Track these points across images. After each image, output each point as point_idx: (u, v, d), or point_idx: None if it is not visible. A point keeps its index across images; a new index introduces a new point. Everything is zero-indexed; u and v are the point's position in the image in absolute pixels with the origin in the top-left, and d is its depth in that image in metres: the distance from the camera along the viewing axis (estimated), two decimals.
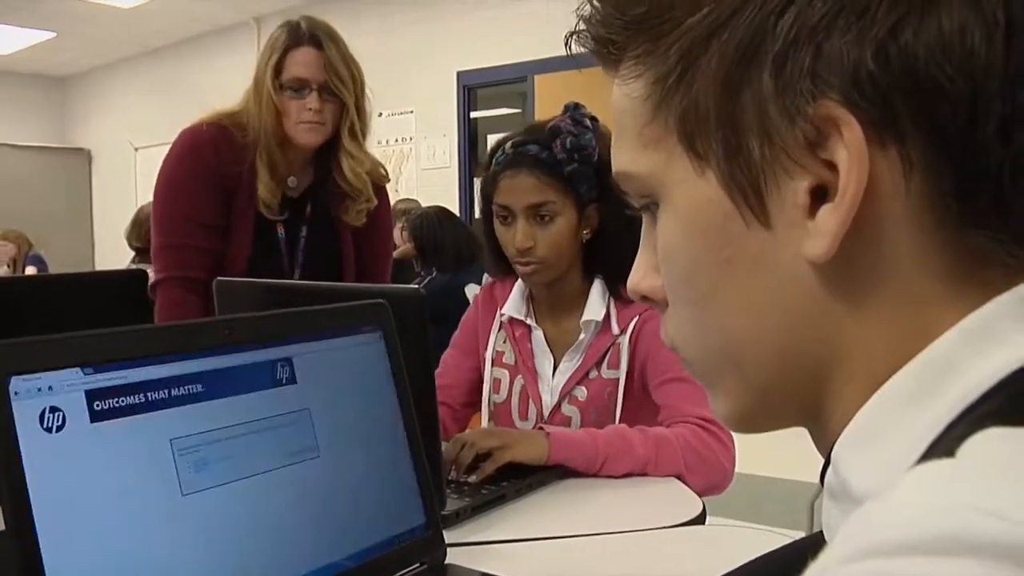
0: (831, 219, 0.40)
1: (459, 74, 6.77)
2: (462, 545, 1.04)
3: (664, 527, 1.14)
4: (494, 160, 1.60)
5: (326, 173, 1.96)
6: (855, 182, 0.39)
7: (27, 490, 0.62)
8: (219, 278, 1.35)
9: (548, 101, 6.48)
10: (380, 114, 5.48)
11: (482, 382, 1.69)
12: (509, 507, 1.22)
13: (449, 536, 0.96)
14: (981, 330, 0.39)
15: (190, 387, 0.73)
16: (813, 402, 0.45)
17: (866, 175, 0.39)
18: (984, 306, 0.39)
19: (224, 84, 9.05)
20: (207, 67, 8.66)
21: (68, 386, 0.66)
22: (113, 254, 9.29)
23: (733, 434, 1.44)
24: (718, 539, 1.18)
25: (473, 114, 7.25)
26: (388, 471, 0.89)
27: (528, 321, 1.64)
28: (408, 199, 5.32)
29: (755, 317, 0.45)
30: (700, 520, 1.20)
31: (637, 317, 1.54)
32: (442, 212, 4.04)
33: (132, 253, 3.70)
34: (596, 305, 1.57)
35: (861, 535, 0.31)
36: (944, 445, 0.35)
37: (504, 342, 1.67)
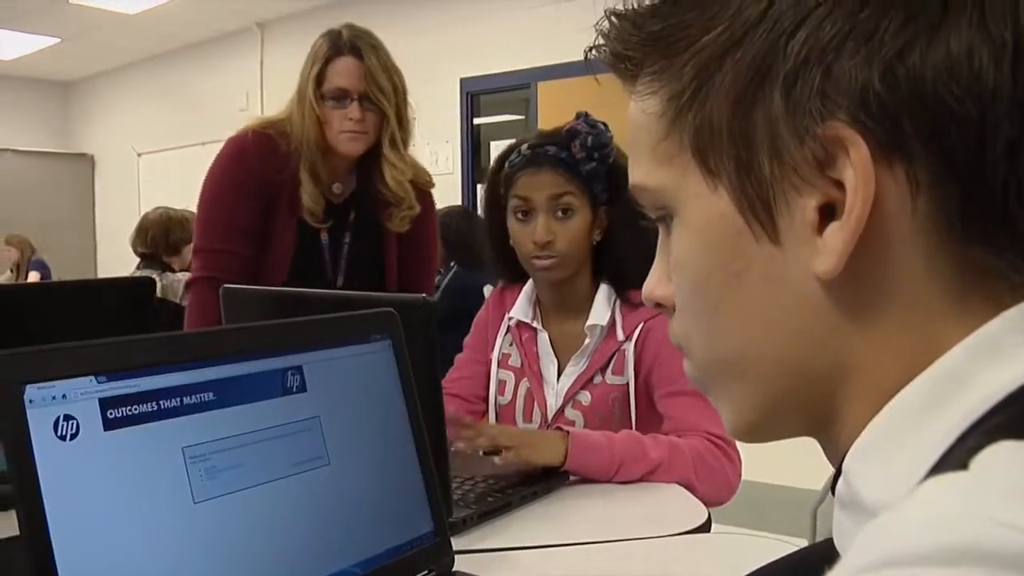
0: (838, 237, 0.41)
1: (462, 81, 6.79)
2: (469, 552, 1.04)
3: (670, 535, 1.15)
4: (508, 162, 1.61)
5: (369, 179, 1.98)
6: (861, 201, 0.40)
7: (41, 497, 0.63)
8: (225, 285, 1.35)
9: (551, 108, 6.49)
10: None
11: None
12: (515, 514, 1.22)
13: (456, 543, 0.96)
14: (989, 344, 0.40)
15: (202, 395, 0.74)
16: (821, 413, 0.46)
17: (872, 195, 0.40)
18: (992, 321, 0.40)
19: (228, 90, 9.07)
20: (211, 73, 8.68)
21: (82, 394, 0.67)
22: (116, 259, 9.30)
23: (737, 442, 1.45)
24: (724, 547, 1.18)
25: (476, 120, 7.27)
26: (396, 478, 0.90)
27: (534, 324, 1.65)
28: None
29: (763, 330, 0.45)
30: (706, 528, 1.20)
31: (642, 324, 1.55)
32: (466, 210, 4.10)
33: (136, 259, 3.71)
34: (601, 309, 1.58)
35: (877, 545, 0.31)
36: (956, 457, 0.36)
37: (511, 345, 1.69)
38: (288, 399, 0.81)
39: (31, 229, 7.63)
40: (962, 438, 0.38)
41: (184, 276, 3.55)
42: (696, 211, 0.46)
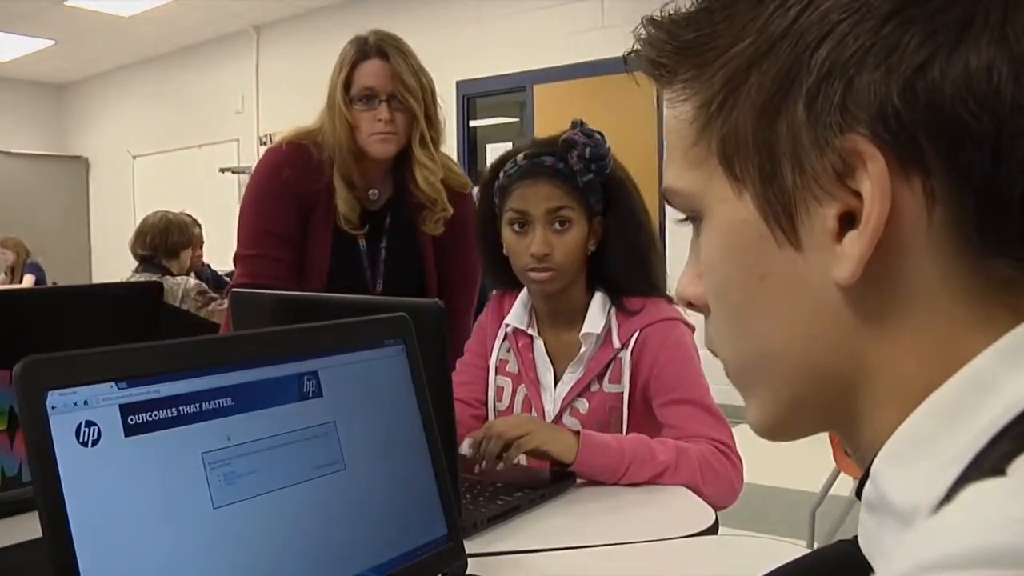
0: (856, 245, 0.42)
1: (458, 83, 6.80)
2: (480, 555, 1.05)
3: (679, 537, 1.15)
4: (503, 172, 1.61)
5: (404, 184, 1.98)
6: (877, 212, 0.41)
7: (64, 504, 0.63)
8: (235, 290, 1.36)
9: (547, 110, 6.51)
10: None
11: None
12: (524, 517, 1.22)
13: (467, 546, 0.96)
14: (1016, 350, 0.40)
15: (220, 401, 0.74)
16: (843, 414, 0.47)
17: (888, 206, 0.41)
18: (1020, 326, 0.41)
19: (223, 92, 9.07)
20: (206, 75, 8.68)
21: (103, 400, 0.67)
22: (110, 262, 9.29)
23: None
24: (732, 549, 1.19)
25: (472, 123, 7.28)
26: (411, 482, 0.90)
27: (530, 331, 1.65)
28: None
29: (786, 331, 0.47)
30: (713, 530, 1.21)
31: (638, 332, 1.56)
32: None
33: (131, 262, 3.71)
34: (596, 318, 1.58)
35: (923, 550, 0.32)
36: (988, 462, 0.37)
37: (508, 351, 1.69)
38: (304, 404, 0.81)
39: (25, 232, 7.63)
40: (993, 442, 0.38)
41: (182, 280, 3.55)
42: (722, 215, 0.48)
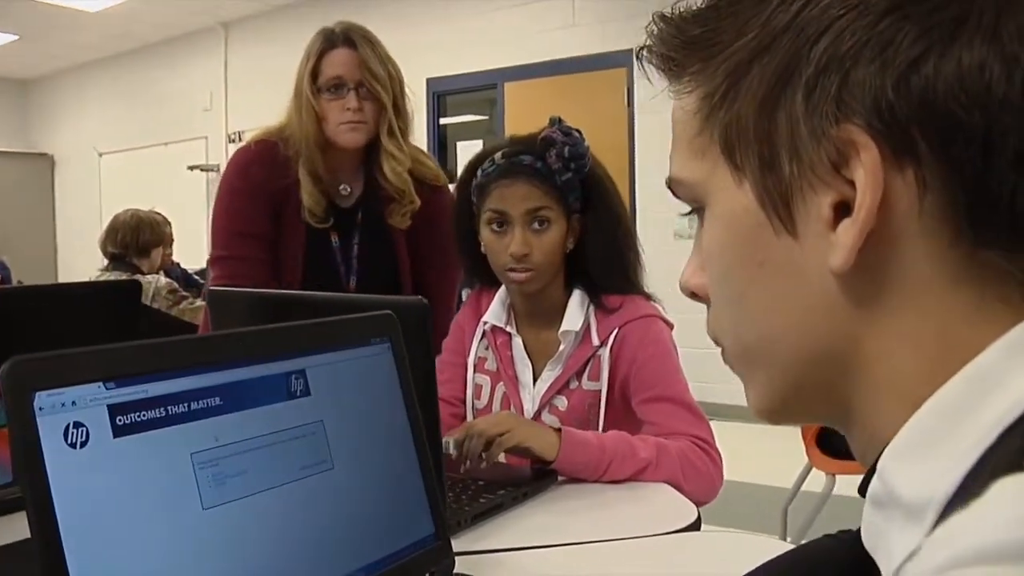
0: (849, 233, 0.43)
1: (429, 81, 6.78)
2: (466, 554, 1.04)
3: (662, 533, 1.16)
4: (480, 171, 1.60)
5: (376, 180, 1.96)
6: (870, 200, 0.42)
7: (53, 507, 0.62)
8: (211, 288, 1.34)
9: (518, 108, 6.51)
10: None
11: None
12: (507, 515, 1.22)
13: (452, 545, 0.96)
14: (1021, 345, 0.41)
15: (209, 400, 0.73)
16: (840, 402, 0.48)
17: (880, 194, 0.42)
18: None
19: (191, 89, 8.98)
20: (174, 72, 8.59)
21: (91, 401, 0.66)
22: (76, 261, 9.18)
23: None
24: (716, 545, 1.19)
25: (442, 120, 7.27)
26: (398, 481, 0.89)
27: (508, 329, 1.65)
28: None
29: (782, 318, 0.48)
30: (696, 527, 1.21)
31: (617, 329, 1.56)
32: None
33: (98, 261, 3.66)
34: (575, 315, 1.59)
35: (958, 543, 0.32)
36: (1004, 457, 0.37)
37: (486, 348, 1.68)
38: (292, 403, 0.80)
39: None
40: (1002, 437, 0.39)
41: (153, 278, 3.52)
42: (723, 204, 0.49)
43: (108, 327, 1.25)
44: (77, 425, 0.65)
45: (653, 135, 5.90)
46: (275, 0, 7.49)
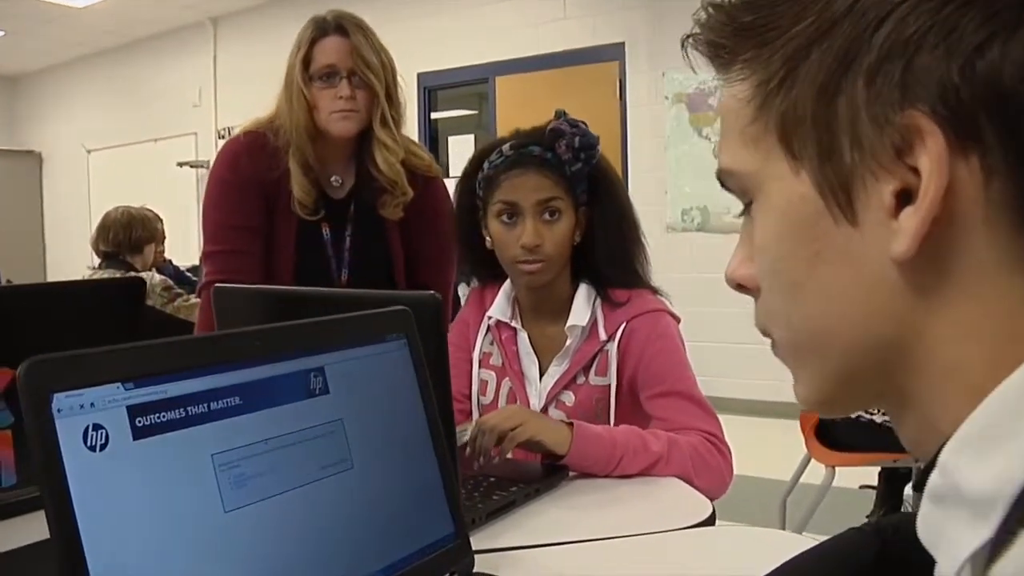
0: (912, 220, 0.42)
1: (420, 75, 6.75)
2: (484, 552, 1.03)
3: (678, 529, 1.14)
4: (487, 163, 1.59)
5: (367, 171, 1.92)
6: (935, 187, 0.41)
7: (74, 512, 0.60)
8: (217, 284, 1.32)
9: (509, 102, 6.49)
10: None
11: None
12: (520, 512, 1.21)
13: None
14: None
15: (228, 400, 0.72)
16: (895, 392, 0.48)
17: (945, 181, 0.41)
18: None
19: (180, 85, 8.93)
20: (163, 68, 8.53)
21: (110, 402, 0.64)
22: (65, 259, 9.12)
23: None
24: (731, 541, 1.19)
25: (433, 115, 7.24)
26: (417, 480, 0.88)
27: (514, 324, 1.63)
28: None
29: (840, 307, 0.47)
30: (711, 522, 1.20)
31: (625, 324, 1.55)
32: None
33: (87, 259, 3.63)
34: (581, 310, 1.57)
35: None
36: None
37: (491, 344, 1.67)
38: (312, 402, 0.79)
39: None
40: None
41: (147, 276, 3.49)
42: (778, 193, 0.49)
43: (112, 325, 1.23)
44: (96, 427, 0.63)
45: (644, 129, 5.90)
46: None
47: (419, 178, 1.98)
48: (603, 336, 1.55)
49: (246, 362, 0.74)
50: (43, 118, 9.83)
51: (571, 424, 1.35)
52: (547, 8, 6.29)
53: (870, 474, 3.24)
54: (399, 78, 1.94)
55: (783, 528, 3.04)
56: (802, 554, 0.84)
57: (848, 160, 0.44)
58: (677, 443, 1.38)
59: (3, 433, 1.16)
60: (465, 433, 1.37)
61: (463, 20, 6.68)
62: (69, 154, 9.51)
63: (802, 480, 3.05)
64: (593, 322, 1.57)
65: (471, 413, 1.68)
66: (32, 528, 1.06)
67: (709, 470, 1.39)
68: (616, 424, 1.51)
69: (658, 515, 1.20)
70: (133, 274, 3.47)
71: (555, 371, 1.59)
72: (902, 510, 3.11)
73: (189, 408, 0.69)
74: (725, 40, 0.50)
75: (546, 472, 1.34)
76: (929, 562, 0.43)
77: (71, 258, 8.52)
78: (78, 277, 3.57)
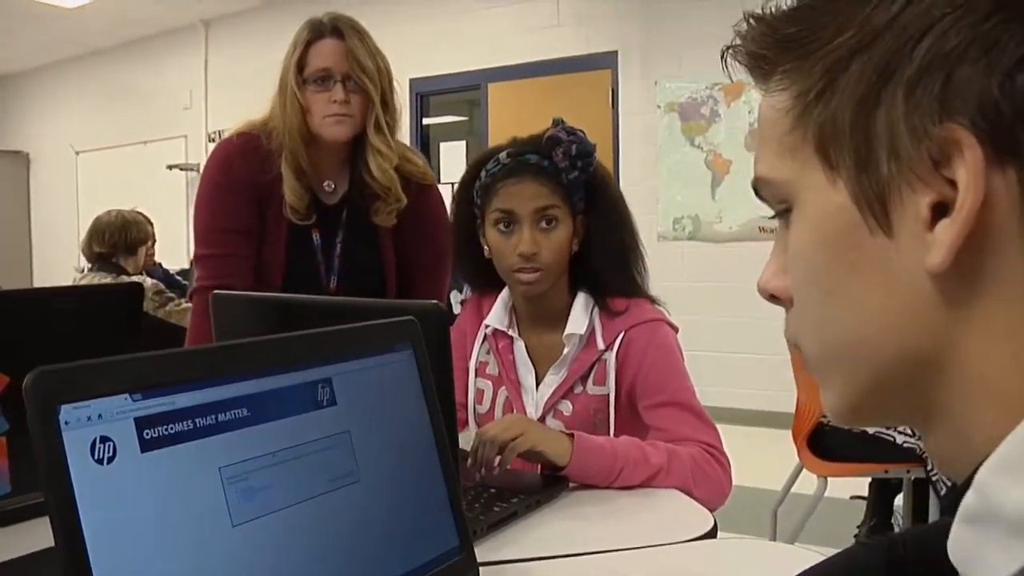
0: (948, 232, 0.43)
1: (412, 81, 6.74)
2: (488, 564, 1.02)
3: (680, 542, 1.13)
4: (485, 171, 1.58)
5: (361, 177, 1.90)
6: (971, 200, 0.42)
7: (80, 526, 0.58)
8: (216, 291, 1.31)
9: (501, 109, 6.49)
10: None
11: None
12: (522, 523, 1.20)
13: None
14: None
15: (236, 412, 0.70)
16: (925, 405, 0.48)
17: (982, 194, 0.42)
18: None
19: (171, 87, 8.89)
20: (153, 70, 8.49)
21: (117, 413, 0.63)
22: (53, 262, 9.06)
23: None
24: (733, 553, 1.18)
25: (425, 121, 7.24)
26: (423, 492, 0.87)
27: (510, 332, 1.62)
28: None
29: (875, 318, 0.47)
30: (713, 534, 1.20)
31: (623, 333, 1.54)
32: None
33: (75, 262, 3.62)
34: (579, 319, 1.56)
35: None
36: None
37: (488, 353, 1.66)
38: (319, 413, 0.77)
39: None
40: None
41: (139, 279, 3.47)
42: (814, 203, 0.49)
43: (110, 332, 1.21)
44: (104, 440, 0.62)
45: (636, 137, 5.90)
46: None
47: (413, 185, 1.96)
48: (601, 345, 1.55)
49: (254, 373, 0.73)
50: (32, 118, 9.76)
51: (571, 435, 1.34)
52: (540, 15, 6.30)
53: (860, 485, 3.24)
54: (395, 83, 1.92)
55: (774, 539, 3.03)
56: (808, 570, 0.84)
57: (885, 171, 0.45)
58: (677, 455, 1.37)
59: None
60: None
61: (457, 26, 6.68)
62: (57, 155, 9.45)
63: (793, 490, 3.05)
64: (591, 331, 1.56)
65: (467, 422, 1.67)
66: (27, 538, 1.04)
67: (708, 482, 1.38)
68: (616, 434, 1.50)
69: (660, 527, 1.19)
70: (126, 279, 3.44)
71: (552, 380, 1.59)
72: (892, 521, 3.11)
73: (197, 420, 0.67)
74: (766, 51, 0.50)
75: (546, 483, 1.34)
76: None
77: (59, 260, 8.46)
78: (66, 279, 3.55)
